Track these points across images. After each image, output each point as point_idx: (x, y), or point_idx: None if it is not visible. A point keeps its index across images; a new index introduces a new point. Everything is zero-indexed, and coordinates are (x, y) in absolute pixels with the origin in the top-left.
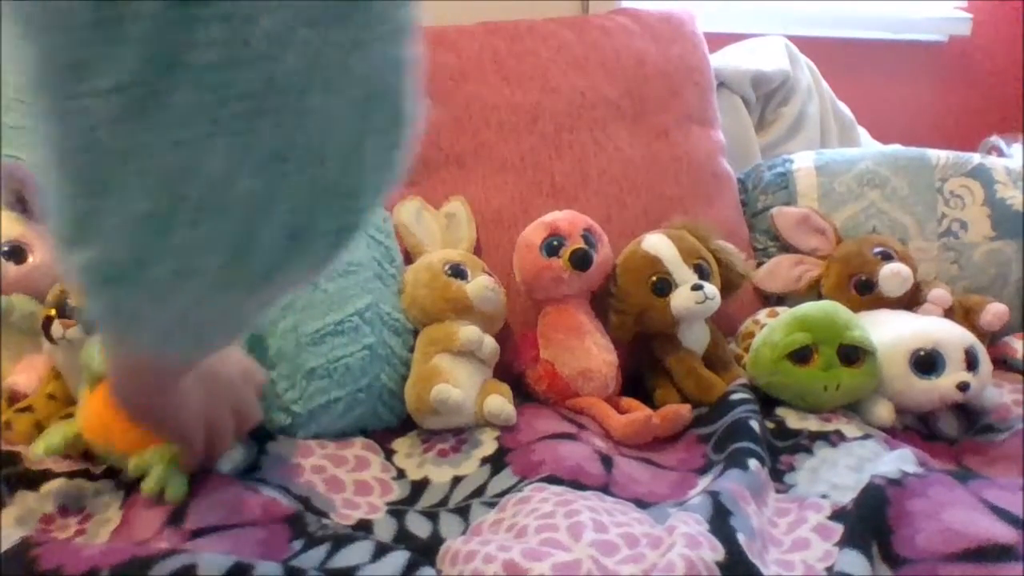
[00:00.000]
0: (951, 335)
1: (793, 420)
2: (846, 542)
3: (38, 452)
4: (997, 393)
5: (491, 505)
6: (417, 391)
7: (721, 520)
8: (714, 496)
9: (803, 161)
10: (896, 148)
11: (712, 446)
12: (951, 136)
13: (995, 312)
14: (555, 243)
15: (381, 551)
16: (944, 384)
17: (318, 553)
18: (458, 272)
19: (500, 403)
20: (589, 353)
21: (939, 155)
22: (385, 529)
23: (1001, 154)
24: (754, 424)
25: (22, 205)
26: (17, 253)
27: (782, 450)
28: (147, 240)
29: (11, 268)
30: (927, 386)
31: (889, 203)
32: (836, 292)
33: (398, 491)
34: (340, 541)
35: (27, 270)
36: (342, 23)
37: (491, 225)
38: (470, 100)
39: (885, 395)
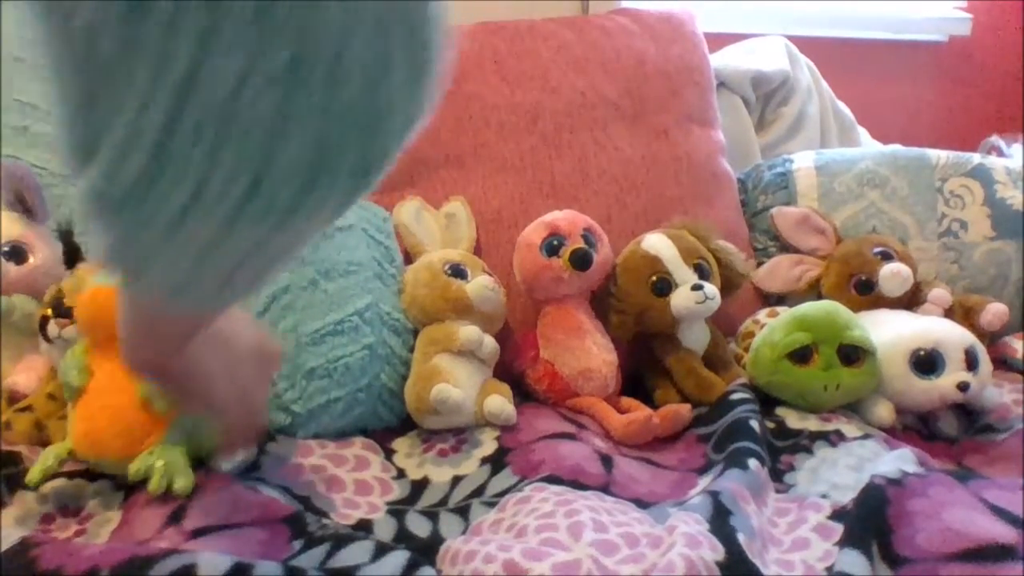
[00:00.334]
0: (951, 335)
1: (793, 420)
2: (846, 542)
3: (34, 479)
4: (997, 393)
5: (491, 505)
6: (417, 391)
7: (721, 520)
8: (714, 496)
9: (803, 161)
10: (896, 148)
11: (712, 446)
12: (951, 136)
13: (995, 312)
14: (555, 243)
15: (381, 551)
16: (944, 384)
17: (318, 553)
18: (458, 272)
19: (500, 403)
20: (589, 353)
21: (939, 155)
22: (385, 529)
23: (1001, 154)
24: (754, 424)
25: (22, 205)
26: (17, 253)
27: (782, 450)
28: (154, 156)
29: (11, 268)
30: (927, 386)
31: (889, 203)
32: (836, 292)
33: (398, 491)
34: (340, 541)
35: (27, 270)
36: None
37: (491, 225)
38: (470, 100)
39: (885, 395)
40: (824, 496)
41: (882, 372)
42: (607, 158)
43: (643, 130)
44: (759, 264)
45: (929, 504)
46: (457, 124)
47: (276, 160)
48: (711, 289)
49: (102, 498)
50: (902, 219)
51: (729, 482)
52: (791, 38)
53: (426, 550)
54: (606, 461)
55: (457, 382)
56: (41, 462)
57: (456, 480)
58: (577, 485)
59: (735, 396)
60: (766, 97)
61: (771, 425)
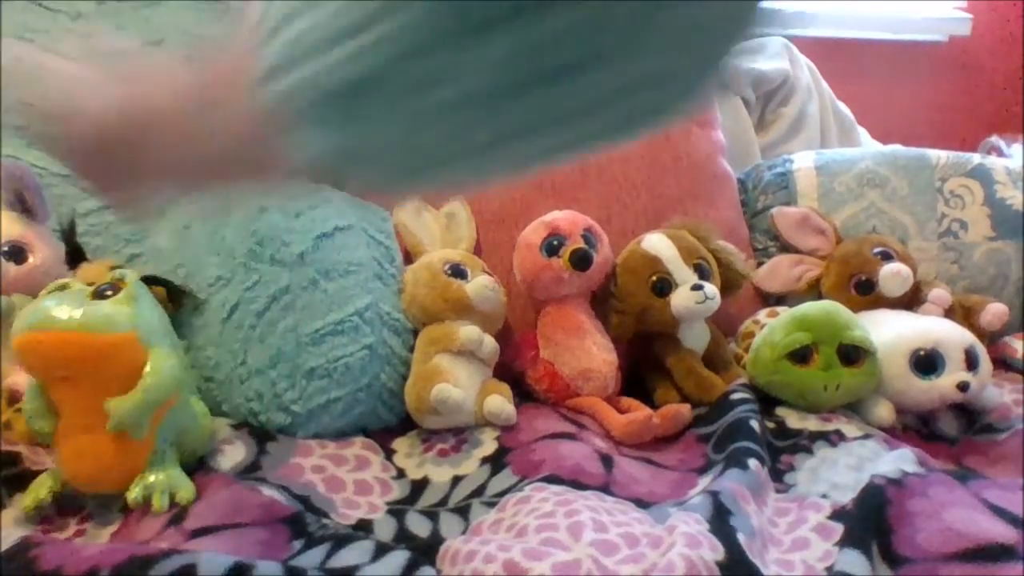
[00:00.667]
0: (951, 335)
1: (793, 420)
2: (846, 542)
3: (28, 506)
4: (997, 393)
5: (491, 505)
6: (417, 391)
7: (721, 520)
8: (714, 496)
9: (803, 161)
10: (896, 148)
11: (712, 446)
12: (951, 136)
13: (995, 312)
14: (555, 243)
15: (381, 551)
16: (944, 384)
17: (318, 553)
18: (458, 272)
19: (500, 403)
20: (589, 353)
21: (939, 155)
22: (385, 529)
23: (1001, 154)
24: (754, 424)
25: (22, 205)
26: (17, 253)
27: (782, 450)
28: None
29: (11, 268)
30: (927, 386)
31: (889, 203)
32: (836, 292)
33: (398, 491)
34: (340, 541)
35: (27, 270)
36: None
37: (491, 225)
38: None
39: (885, 395)
40: (824, 496)
41: (882, 372)
42: (607, 158)
43: None
44: (759, 264)
45: (929, 504)
46: None
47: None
48: (711, 289)
49: (102, 498)
50: (902, 219)
51: (729, 482)
52: (791, 38)
53: (426, 550)
54: (606, 461)
55: (457, 382)
56: (34, 491)
57: (456, 480)
58: (577, 485)
59: (735, 396)
60: (766, 97)
61: (771, 425)
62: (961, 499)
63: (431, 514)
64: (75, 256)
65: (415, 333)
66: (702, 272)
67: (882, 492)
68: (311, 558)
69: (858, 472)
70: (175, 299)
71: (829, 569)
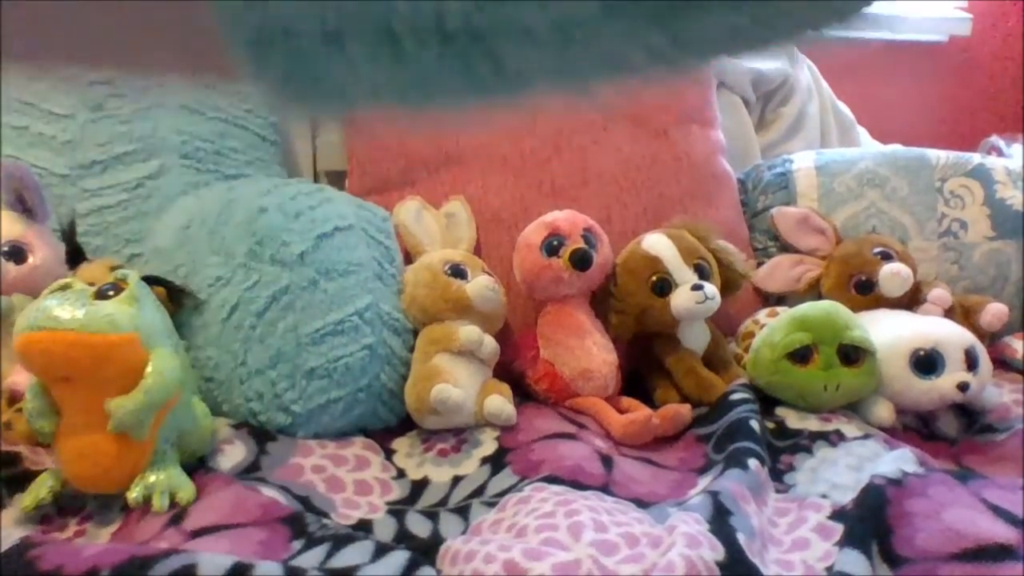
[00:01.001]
0: (951, 335)
1: (793, 420)
2: (846, 542)
3: (28, 506)
4: (997, 393)
5: (491, 505)
6: (417, 391)
7: (721, 520)
8: (714, 496)
9: (803, 161)
10: (896, 148)
11: (712, 446)
12: (951, 136)
13: (995, 312)
14: (555, 243)
15: (381, 551)
16: (944, 384)
17: (318, 553)
18: (458, 272)
19: (500, 403)
20: (589, 353)
21: (939, 155)
22: (385, 529)
23: (1001, 154)
24: (754, 424)
25: (22, 205)
26: (17, 253)
27: (782, 450)
28: None
29: (11, 268)
30: (927, 386)
31: (889, 203)
32: (836, 292)
33: (398, 491)
34: (340, 541)
35: (27, 270)
36: None
37: (491, 225)
38: None
39: (885, 395)
40: (824, 496)
41: (882, 372)
42: (607, 158)
43: (643, 130)
44: (759, 264)
45: (929, 504)
46: None
47: None
48: (711, 289)
49: (102, 498)
50: (902, 219)
51: (729, 482)
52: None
53: (426, 550)
54: (606, 461)
55: (457, 382)
56: (35, 491)
57: (456, 480)
58: (577, 485)
59: (735, 396)
60: (766, 97)
61: (771, 425)
62: (961, 499)
63: (431, 514)
64: (75, 256)
65: (415, 333)
66: (702, 272)
67: (882, 492)
68: (311, 558)
69: (858, 472)
70: (175, 299)
71: (829, 569)
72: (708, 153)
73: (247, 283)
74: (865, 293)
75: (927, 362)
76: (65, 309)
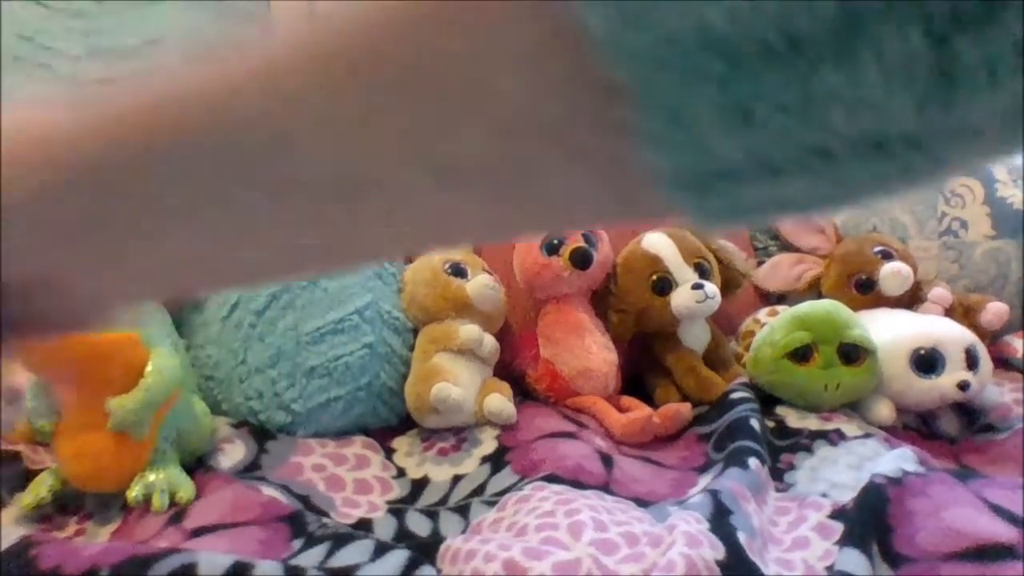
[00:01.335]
0: (951, 334)
1: (793, 419)
2: (846, 541)
3: (27, 505)
4: (997, 392)
5: (491, 504)
6: (417, 390)
7: (721, 519)
8: (714, 495)
9: None
10: None
11: (712, 445)
12: None
13: (995, 311)
14: (555, 242)
15: (381, 550)
16: (944, 383)
17: (318, 552)
18: (458, 271)
19: (500, 402)
20: (589, 352)
21: None
22: (385, 528)
23: None
24: (754, 423)
25: None
26: None
27: (782, 449)
28: None
29: None
30: (927, 385)
31: (889, 201)
32: (836, 291)
33: (398, 490)
34: (340, 540)
35: None
36: None
37: None
38: None
39: (885, 394)
40: (824, 495)
41: (882, 371)
42: None
43: None
44: (759, 263)
45: (929, 503)
46: None
47: None
48: (711, 288)
49: (102, 497)
50: (902, 218)
51: (729, 481)
52: None
53: (426, 549)
54: (606, 460)
55: (457, 381)
56: (34, 490)
57: (456, 479)
58: (577, 484)
59: (735, 395)
60: None
61: (771, 424)
62: (961, 498)
63: (431, 513)
64: None
65: (415, 332)
66: (702, 271)
67: (882, 491)
68: (311, 557)
69: (858, 471)
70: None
71: (829, 568)
72: None
73: None
74: (865, 292)
75: (927, 361)
76: None
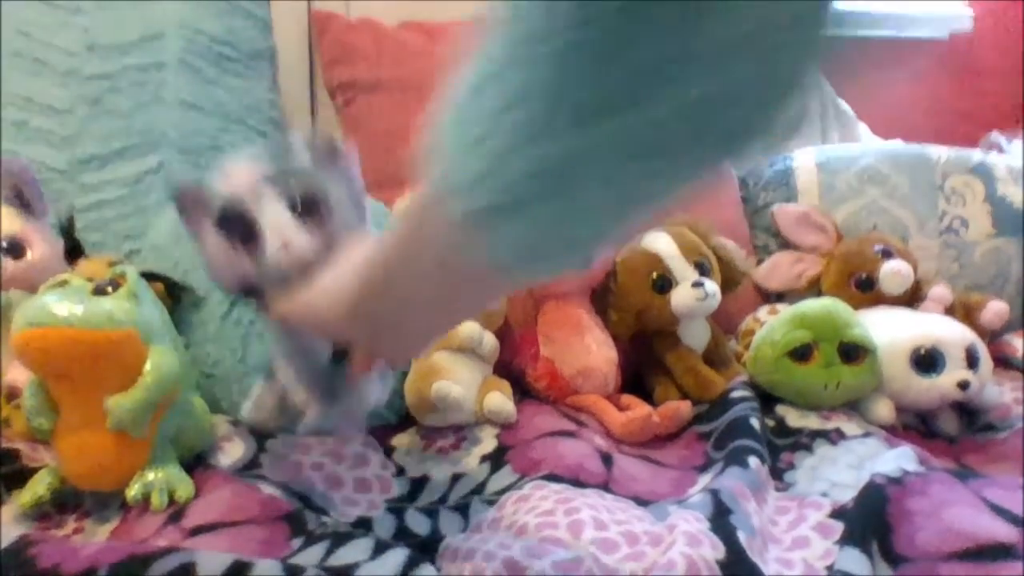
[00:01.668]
0: (951, 333)
1: (793, 418)
2: (846, 540)
3: (26, 503)
4: (997, 391)
5: (491, 503)
6: (417, 388)
7: (721, 518)
8: (714, 494)
9: (804, 158)
10: (897, 145)
11: (712, 444)
12: (952, 133)
13: (996, 310)
14: None
15: (380, 549)
16: (944, 382)
17: (317, 551)
18: None
19: (500, 400)
20: (589, 350)
21: (940, 152)
22: (385, 526)
23: (1002, 151)
24: (754, 422)
25: (20, 200)
26: (15, 249)
27: (782, 448)
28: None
29: (9, 264)
30: (927, 384)
31: (890, 200)
32: (836, 290)
33: (398, 488)
34: (339, 539)
35: (25, 266)
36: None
37: None
38: None
39: (885, 393)
40: (824, 494)
41: (882, 370)
42: None
43: None
44: (759, 261)
45: (929, 503)
46: None
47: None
48: (711, 286)
49: (101, 496)
50: (903, 216)
51: (729, 480)
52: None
53: (426, 548)
54: (606, 459)
55: (457, 379)
56: (33, 488)
57: (456, 478)
58: (577, 483)
59: (735, 394)
60: None
61: (771, 423)
62: (961, 498)
63: (431, 512)
64: (74, 252)
65: None
66: (702, 269)
67: (882, 491)
68: (310, 556)
69: (858, 470)
70: (174, 295)
71: (829, 568)
72: None
73: None
74: (866, 291)
75: (927, 360)
76: (63, 305)
